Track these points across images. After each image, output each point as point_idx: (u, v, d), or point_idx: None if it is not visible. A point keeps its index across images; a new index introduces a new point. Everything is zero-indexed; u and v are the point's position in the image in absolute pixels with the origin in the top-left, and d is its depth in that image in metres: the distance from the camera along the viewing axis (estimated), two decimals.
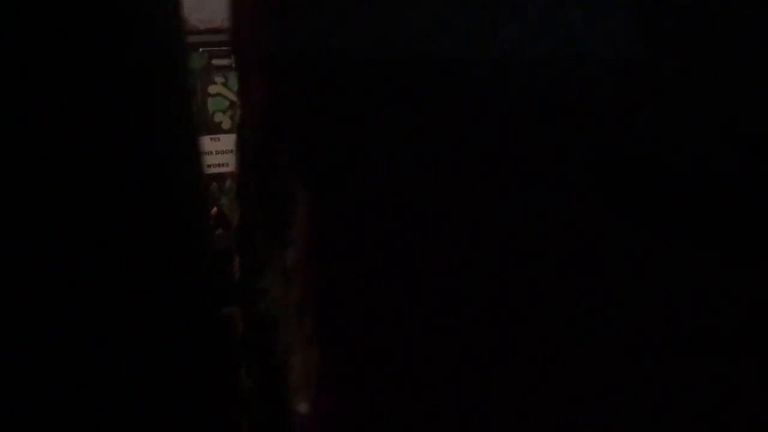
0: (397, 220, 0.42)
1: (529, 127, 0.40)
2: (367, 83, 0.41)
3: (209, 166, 5.33)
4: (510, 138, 0.40)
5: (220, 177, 5.05)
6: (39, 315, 0.45)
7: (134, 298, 0.47)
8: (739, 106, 0.38)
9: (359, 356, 0.45)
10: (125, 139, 0.47)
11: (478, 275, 0.42)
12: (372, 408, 0.44)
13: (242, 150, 0.56)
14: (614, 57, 0.38)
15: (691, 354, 0.41)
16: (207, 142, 5.47)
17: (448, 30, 0.39)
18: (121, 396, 0.46)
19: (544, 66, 0.38)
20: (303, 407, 0.46)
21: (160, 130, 0.49)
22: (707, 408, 0.41)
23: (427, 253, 0.42)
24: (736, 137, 0.39)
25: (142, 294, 0.48)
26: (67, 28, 0.46)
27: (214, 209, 4.14)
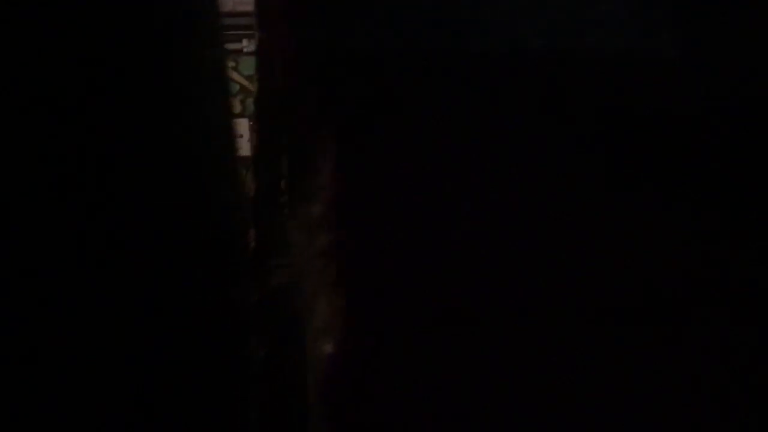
0: (422, 166, 0.45)
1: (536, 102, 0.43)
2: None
3: None
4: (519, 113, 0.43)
5: None
6: (65, 289, 0.46)
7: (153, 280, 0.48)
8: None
9: (385, 300, 0.47)
10: (155, 120, 0.47)
11: (497, 220, 0.44)
12: (396, 349, 0.47)
13: (262, 118, 0.57)
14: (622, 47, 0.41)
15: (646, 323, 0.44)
16: None
17: (458, 25, 0.42)
18: (134, 373, 0.47)
19: (547, 55, 0.41)
20: (329, 348, 0.48)
21: (190, 108, 0.49)
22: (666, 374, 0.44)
23: (449, 199, 0.45)
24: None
25: (159, 274, 0.48)
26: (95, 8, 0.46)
27: None
